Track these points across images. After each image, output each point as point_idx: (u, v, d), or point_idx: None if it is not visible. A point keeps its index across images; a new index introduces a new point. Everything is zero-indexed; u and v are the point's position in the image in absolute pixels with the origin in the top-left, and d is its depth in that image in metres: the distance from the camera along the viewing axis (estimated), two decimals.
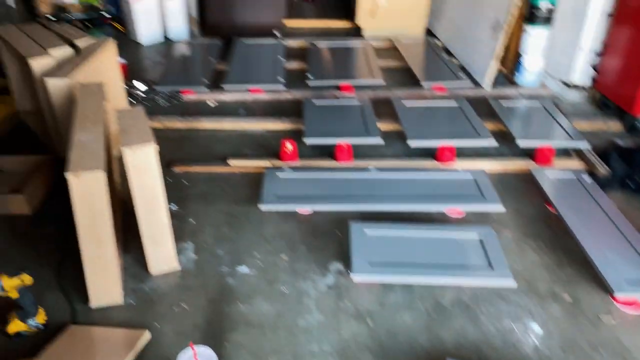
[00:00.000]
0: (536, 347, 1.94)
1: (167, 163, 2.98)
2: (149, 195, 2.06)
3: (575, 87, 3.85)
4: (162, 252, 2.20)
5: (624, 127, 3.32)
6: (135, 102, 3.67)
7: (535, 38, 3.69)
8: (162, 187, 2.08)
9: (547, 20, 3.63)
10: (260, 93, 3.74)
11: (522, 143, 2.97)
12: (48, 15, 5.13)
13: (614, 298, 2.12)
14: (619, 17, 3.42)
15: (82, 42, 2.98)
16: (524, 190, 2.82)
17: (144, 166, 2.01)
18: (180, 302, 2.11)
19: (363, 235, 2.31)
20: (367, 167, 2.88)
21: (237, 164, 2.97)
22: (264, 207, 2.51)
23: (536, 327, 2.03)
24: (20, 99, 3.27)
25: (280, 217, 2.59)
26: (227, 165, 2.97)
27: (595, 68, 3.68)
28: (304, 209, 2.58)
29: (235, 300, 2.12)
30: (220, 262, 2.32)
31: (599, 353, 1.92)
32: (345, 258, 2.30)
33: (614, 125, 3.35)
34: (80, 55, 2.85)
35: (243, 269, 2.29)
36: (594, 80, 3.70)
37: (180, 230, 2.49)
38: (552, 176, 2.82)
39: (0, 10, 5.58)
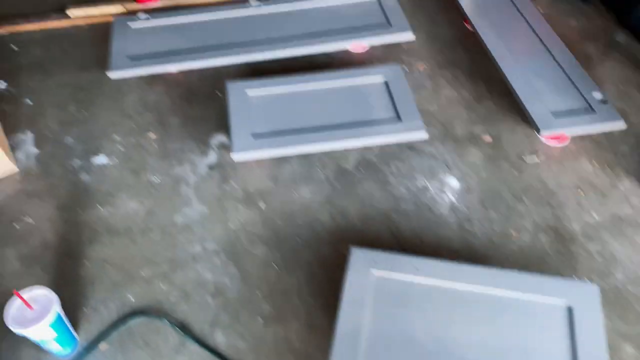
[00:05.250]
0: (453, 206, 1.69)
1: None
2: None
3: None
4: None
5: None
6: None
7: None
8: None
9: None
10: None
11: None
12: None
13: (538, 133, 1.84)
14: None
15: None
16: (438, 7, 2.35)
17: None
18: (23, 215, 1.67)
19: (244, 98, 1.84)
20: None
21: (80, 14, 2.29)
22: (113, 74, 1.94)
23: (453, 181, 1.76)
24: None
25: (143, 82, 2.05)
26: (67, 16, 2.28)
27: None
28: (171, 68, 2.04)
29: (93, 203, 1.70)
30: (70, 154, 1.83)
31: (523, 203, 1.70)
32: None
33: None
34: None
35: (100, 159, 1.82)
36: None
37: (14, 116, 1.93)
38: None
39: None
